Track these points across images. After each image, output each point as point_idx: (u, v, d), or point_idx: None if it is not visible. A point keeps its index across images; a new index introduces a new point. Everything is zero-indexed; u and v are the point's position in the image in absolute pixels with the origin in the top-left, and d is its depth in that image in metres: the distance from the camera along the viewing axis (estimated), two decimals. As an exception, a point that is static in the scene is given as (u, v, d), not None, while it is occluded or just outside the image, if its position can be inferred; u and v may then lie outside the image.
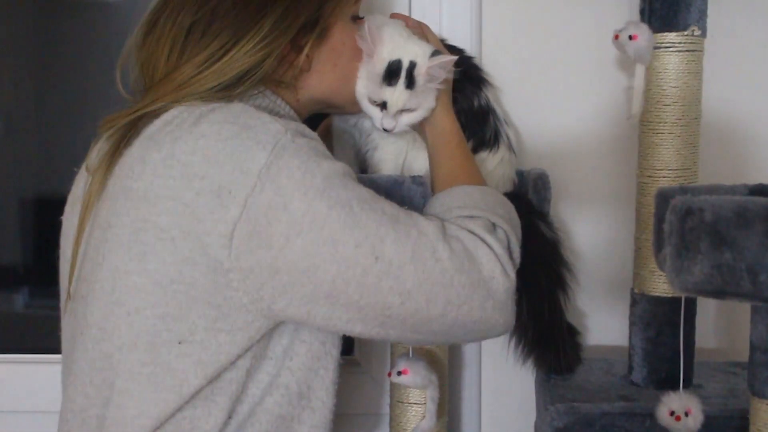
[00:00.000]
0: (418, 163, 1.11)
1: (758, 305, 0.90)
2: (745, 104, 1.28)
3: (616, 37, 1.09)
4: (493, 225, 0.91)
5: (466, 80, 1.12)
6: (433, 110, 1.02)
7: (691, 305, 1.13)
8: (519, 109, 1.28)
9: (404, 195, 1.01)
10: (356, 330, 0.88)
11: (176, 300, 0.84)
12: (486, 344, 1.36)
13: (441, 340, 0.92)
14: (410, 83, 0.99)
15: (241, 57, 0.90)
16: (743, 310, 0.98)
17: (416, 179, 1.03)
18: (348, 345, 1.42)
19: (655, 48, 1.10)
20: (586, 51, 1.29)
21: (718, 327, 1.32)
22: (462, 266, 0.86)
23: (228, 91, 0.91)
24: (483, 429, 1.38)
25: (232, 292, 0.84)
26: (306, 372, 0.93)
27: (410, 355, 1.13)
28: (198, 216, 0.82)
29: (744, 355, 0.96)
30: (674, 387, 1.05)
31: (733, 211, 0.83)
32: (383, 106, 1.01)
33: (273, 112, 0.93)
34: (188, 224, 0.83)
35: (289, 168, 0.83)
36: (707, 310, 1.29)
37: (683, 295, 1.07)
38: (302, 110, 1.02)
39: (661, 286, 1.12)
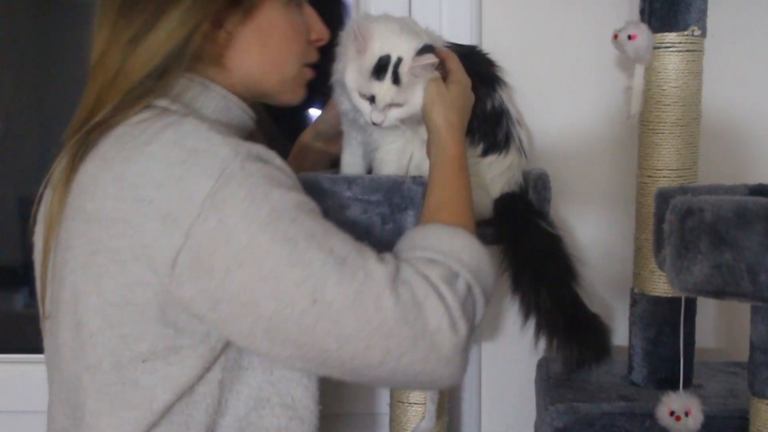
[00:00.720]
0: (427, 165, 1.10)
1: (758, 305, 0.90)
2: (745, 104, 1.28)
3: (616, 37, 1.09)
4: (455, 274, 0.87)
5: (480, 81, 1.11)
6: (436, 126, 1.00)
7: (691, 305, 1.13)
8: (519, 109, 1.28)
9: (404, 195, 1.00)
10: (297, 366, 0.87)
11: (133, 320, 0.84)
12: (486, 344, 1.36)
13: (385, 385, 0.89)
14: (396, 79, 1.00)
15: (166, 35, 0.88)
16: (743, 310, 0.98)
17: (416, 179, 1.03)
18: (348, 345, 1.42)
19: (655, 48, 1.10)
20: (586, 51, 1.29)
21: (718, 327, 1.32)
22: (406, 317, 0.82)
23: (163, 80, 0.89)
24: (483, 429, 1.38)
25: (183, 314, 0.84)
26: (287, 383, 0.92)
27: (410, 355, 1.13)
28: (144, 241, 0.81)
29: (744, 355, 0.96)
30: (674, 387, 1.05)
31: (733, 211, 0.83)
32: (372, 100, 1.01)
33: (213, 106, 0.93)
34: (137, 248, 0.82)
35: (234, 198, 0.80)
36: (707, 310, 1.29)
37: (683, 295, 1.07)
38: (240, 94, 0.99)
39: (661, 286, 1.12)
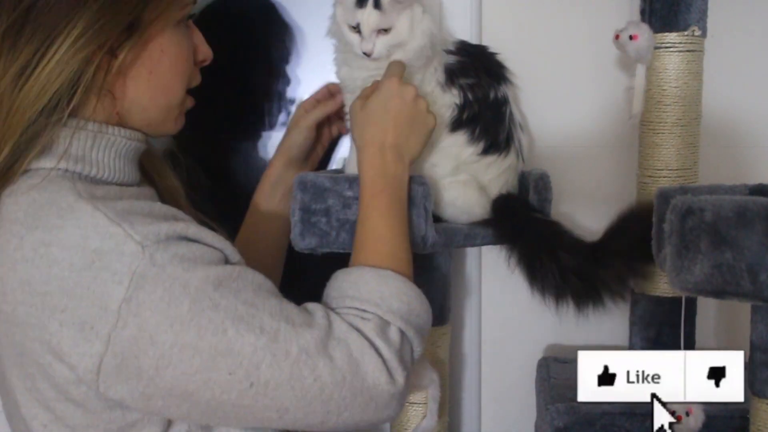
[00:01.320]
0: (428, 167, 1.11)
1: (758, 305, 0.90)
2: (745, 104, 1.28)
3: (617, 37, 1.09)
4: (386, 323, 0.87)
5: (484, 72, 1.12)
6: (356, 149, 0.99)
7: (691, 305, 1.13)
8: (523, 113, 1.28)
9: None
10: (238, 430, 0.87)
11: (79, 413, 0.83)
12: (486, 344, 1.36)
13: None
14: (377, 4, 1.02)
15: (56, 65, 0.82)
16: (743, 310, 0.98)
17: (417, 179, 1.03)
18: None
19: (656, 48, 1.10)
20: (586, 51, 1.29)
21: (719, 327, 1.32)
22: (343, 379, 0.83)
23: (56, 116, 0.83)
24: (483, 429, 1.38)
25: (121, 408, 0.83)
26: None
27: (410, 354, 1.13)
28: (63, 349, 0.79)
29: (744, 355, 0.96)
30: (674, 387, 1.05)
31: (733, 211, 0.83)
32: (359, 30, 1.03)
33: (108, 153, 0.89)
34: (58, 353, 0.80)
35: (151, 300, 0.78)
36: (707, 310, 1.29)
37: (683, 295, 1.07)
38: (125, 123, 0.92)
39: (661, 286, 1.12)
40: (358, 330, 0.85)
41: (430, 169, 1.10)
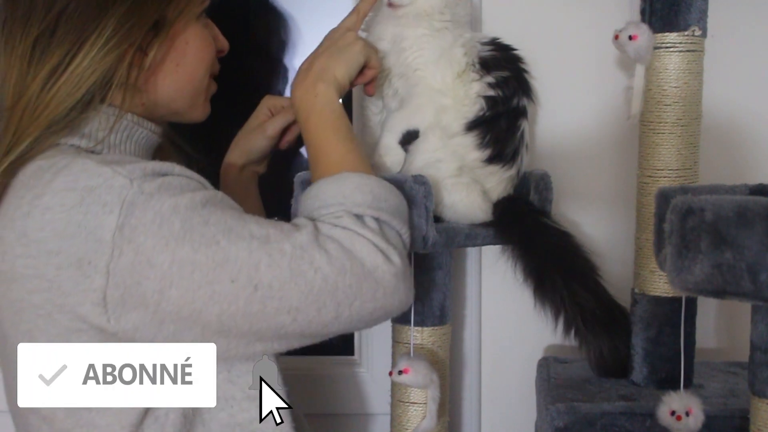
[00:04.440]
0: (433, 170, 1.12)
1: (758, 305, 0.90)
2: (745, 104, 1.28)
3: (617, 37, 1.09)
4: (358, 216, 0.89)
5: (515, 72, 1.13)
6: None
7: (691, 305, 1.13)
8: (533, 132, 1.29)
9: (406, 195, 1.00)
10: (257, 350, 0.88)
11: None
12: (486, 344, 1.36)
13: (345, 333, 0.91)
14: None
15: (88, 64, 0.86)
16: (743, 310, 0.98)
17: (418, 179, 1.03)
18: (348, 345, 1.42)
19: (656, 48, 1.10)
20: (586, 51, 1.29)
21: (719, 327, 1.32)
22: (343, 267, 0.84)
23: (86, 112, 0.88)
24: (483, 429, 1.38)
25: (128, 343, 0.84)
26: (246, 376, 0.91)
27: (411, 354, 1.13)
28: (64, 290, 0.81)
29: (744, 355, 0.96)
30: (675, 387, 1.05)
31: (733, 211, 0.83)
32: None
33: (125, 135, 0.93)
34: (59, 299, 0.81)
35: (143, 224, 0.80)
36: (707, 310, 1.29)
37: (684, 295, 1.07)
38: (151, 114, 0.98)
39: (661, 286, 1.12)
40: (338, 226, 0.87)
41: (434, 165, 1.10)
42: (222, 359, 0.88)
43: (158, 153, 1.02)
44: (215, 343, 0.85)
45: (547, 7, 1.29)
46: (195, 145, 1.10)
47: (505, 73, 1.12)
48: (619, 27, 1.09)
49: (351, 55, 1.03)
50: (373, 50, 1.07)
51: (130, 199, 0.80)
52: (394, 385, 1.17)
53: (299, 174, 1.05)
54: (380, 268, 0.86)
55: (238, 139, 1.19)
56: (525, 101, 1.14)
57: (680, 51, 1.09)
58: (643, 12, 1.12)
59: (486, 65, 1.12)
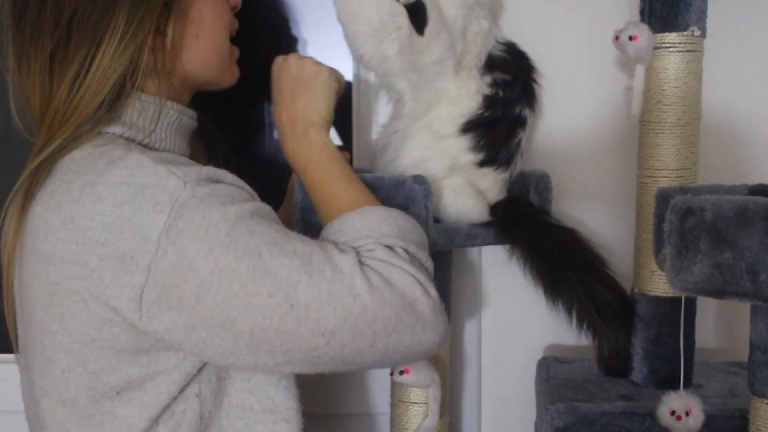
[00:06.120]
0: (430, 164, 1.11)
1: (758, 305, 0.90)
2: (745, 104, 1.28)
3: (617, 37, 1.09)
4: (389, 247, 0.88)
5: (521, 80, 1.13)
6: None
7: (691, 305, 1.13)
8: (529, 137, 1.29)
9: (406, 195, 1.00)
10: (286, 371, 0.87)
11: (103, 356, 0.84)
12: (486, 344, 1.36)
13: (378, 366, 0.91)
14: None
15: (110, 61, 0.86)
16: (743, 310, 0.98)
17: (418, 179, 1.03)
18: (348, 345, 1.42)
19: (656, 48, 1.10)
20: (586, 51, 1.29)
21: (718, 327, 1.32)
22: (383, 298, 0.83)
23: (116, 108, 0.88)
24: (483, 429, 1.38)
25: (156, 342, 0.84)
26: (267, 388, 0.92)
27: (411, 354, 1.13)
28: (104, 281, 0.81)
29: (744, 355, 0.96)
30: (674, 387, 1.05)
31: (733, 211, 0.83)
32: None
33: (167, 123, 0.93)
34: (96, 288, 0.81)
35: (190, 227, 0.80)
36: (707, 310, 1.29)
37: (683, 295, 1.08)
38: (181, 95, 0.98)
39: (661, 286, 1.12)
40: (374, 258, 0.86)
41: (421, 165, 1.10)
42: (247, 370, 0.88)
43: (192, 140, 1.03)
44: (243, 357, 0.84)
45: (548, 7, 1.29)
46: (218, 125, 1.10)
47: (508, 77, 1.11)
48: (619, 27, 1.09)
49: (325, 87, 1.02)
50: (335, 70, 1.05)
51: (182, 201, 0.80)
52: (394, 384, 1.17)
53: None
54: (419, 300, 0.85)
55: None
56: (527, 112, 1.14)
57: (680, 51, 1.09)
58: (642, 12, 1.12)
59: (492, 64, 1.11)
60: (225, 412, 0.90)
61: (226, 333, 0.82)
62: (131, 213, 0.80)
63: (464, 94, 1.10)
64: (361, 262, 0.85)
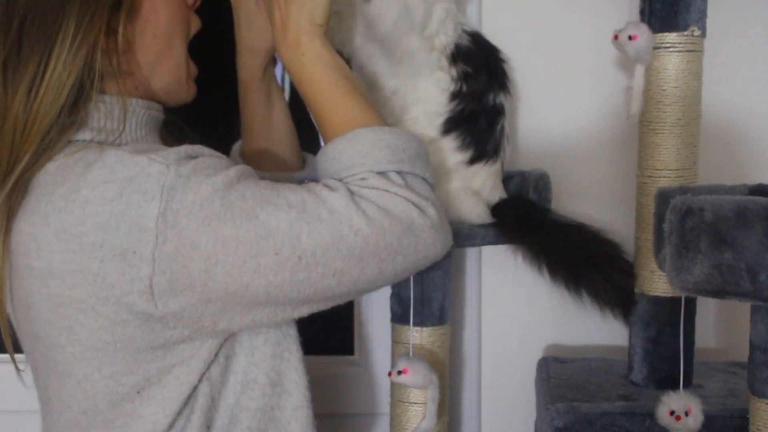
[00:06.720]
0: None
1: (758, 305, 0.90)
2: (745, 104, 1.28)
3: (616, 37, 1.09)
4: (382, 173, 0.89)
5: (486, 70, 1.12)
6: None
7: (691, 305, 1.13)
8: (519, 109, 1.28)
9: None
10: (304, 312, 0.89)
11: (119, 358, 0.84)
12: (486, 344, 1.36)
13: (389, 284, 0.94)
14: None
15: (63, 66, 0.85)
16: (743, 310, 0.98)
17: (416, 179, 1.03)
18: (348, 345, 1.42)
19: (655, 48, 1.10)
20: (586, 51, 1.29)
21: (718, 327, 1.32)
22: (382, 227, 0.85)
23: (76, 113, 0.86)
24: (483, 429, 1.38)
25: (172, 330, 0.85)
26: (270, 360, 0.93)
27: (410, 354, 1.13)
28: (110, 282, 0.81)
29: (744, 355, 0.96)
30: (674, 387, 1.05)
31: (733, 211, 0.83)
32: None
33: (135, 122, 0.92)
34: (103, 291, 0.81)
35: (184, 207, 0.80)
36: (707, 310, 1.29)
37: (683, 295, 1.07)
38: (146, 91, 0.96)
39: (661, 286, 1.12)
40: (367, 187, 0.87)
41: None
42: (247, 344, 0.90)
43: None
44: (262, 312, 0.86)
45: (547, 7, 1.29)
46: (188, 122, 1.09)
47: (468, 69, 1.10)
48: (619, 27, 1.09)
49: None
50: None
51: (170, 184, 0.81)
52: (393, 385, 1.17)
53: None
54: (416, 221, 0.87)
55: (240, 46, 1.11)
56: (502, 97, 1.13)
57: (680, 51, 1.09)
58: (642, 12, 1.12)
59: (456, 57, 1.10)
60: (231, 389, 0.92)
61: (242, 298, 0.83)
62: (123, 208, 0.80)
63: (434, 86, 1.10)
64: (354, 194, 0.86)
